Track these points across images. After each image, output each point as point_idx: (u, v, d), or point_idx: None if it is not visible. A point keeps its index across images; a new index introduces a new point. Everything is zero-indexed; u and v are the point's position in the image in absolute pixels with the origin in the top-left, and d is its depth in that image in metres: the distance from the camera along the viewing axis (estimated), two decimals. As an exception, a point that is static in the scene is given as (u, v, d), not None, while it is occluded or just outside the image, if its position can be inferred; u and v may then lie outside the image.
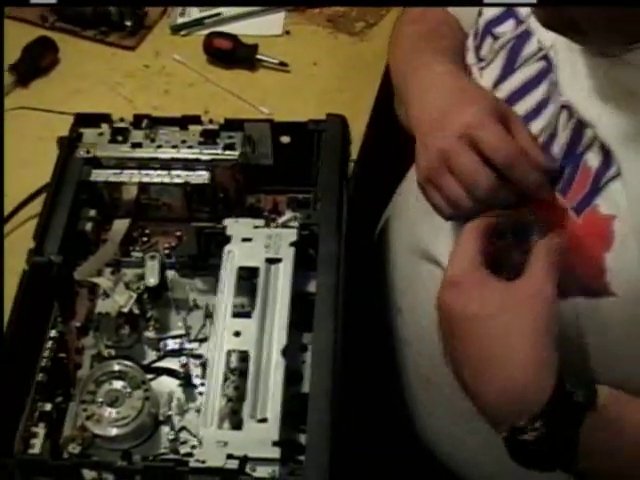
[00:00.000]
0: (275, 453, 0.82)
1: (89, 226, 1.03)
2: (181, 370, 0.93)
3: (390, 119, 1.07)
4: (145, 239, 1.05)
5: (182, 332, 0.96)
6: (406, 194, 1.04)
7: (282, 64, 1.28)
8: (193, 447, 0.88)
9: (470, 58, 0.90)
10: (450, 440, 0.96)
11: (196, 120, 1.06)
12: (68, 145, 1.05)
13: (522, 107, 0.84)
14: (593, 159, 0.77)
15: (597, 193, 0.76)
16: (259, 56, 1.29)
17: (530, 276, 0.74)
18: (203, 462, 0.82)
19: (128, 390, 0.90)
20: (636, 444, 0.73)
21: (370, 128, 1.16)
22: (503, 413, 0.72)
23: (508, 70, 0.86)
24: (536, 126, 0.82)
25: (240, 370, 0.89)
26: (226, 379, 0.89)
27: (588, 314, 0.78)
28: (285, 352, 0.88)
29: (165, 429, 0.90)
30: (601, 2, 0.68)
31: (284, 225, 0.98)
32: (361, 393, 1.01)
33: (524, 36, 0.84)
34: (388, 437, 1.03)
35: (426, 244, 0.95)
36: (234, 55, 1.30)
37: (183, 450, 0.88)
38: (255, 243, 0.96)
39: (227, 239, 0.96)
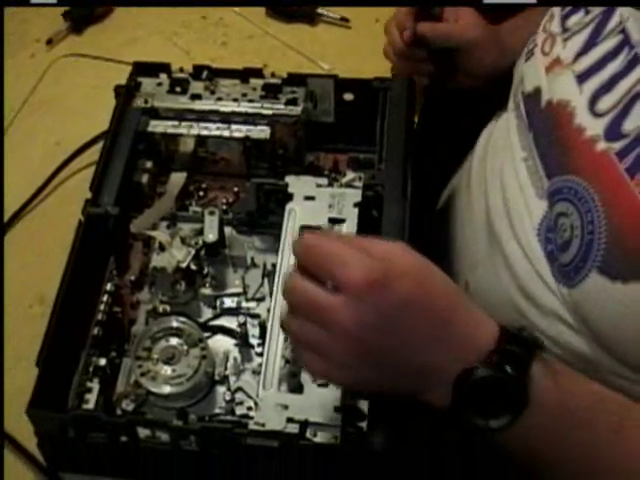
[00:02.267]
0: (337, 419, 0.80)
1: (145, 178, 1.01)
2: (238, 329, 0.90)
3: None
4: (202, 194, 1.02)
5: (239, 290, 0.94)
6: (477, 163, 1.01)
7: (343, 19, 1.24)
8: (249, 409, 0.86)
9: (554, 26, 0.86)
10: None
11: (257, 73, 1.03)
12: (126, 94, 1.02)
13: (596, 81, 0.80)
14: None
15: None
16: (320, 10, 1.25)
17: None
18: (262, 425, 0.80)
19: (185, 348, 0.87)
20: (584, 423, 0.70)
21: (430, 90, 1.12)
22: (456, 365, 0.68)
23: (590, 43, 0.82)
24: (609, 100, 0.79)
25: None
26: (285, 339, 0.87)
27: None
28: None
29: (221, 389, 0.88)
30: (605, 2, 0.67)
31: (347, 185, 0.95)
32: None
33: (609, 10, 0.81)
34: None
35: (493, 220, 0.92)
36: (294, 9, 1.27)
37: (239, 411, 0.86)
38: (318, 202, 0.93)
39: (289, 197, 0.94)
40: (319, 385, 0.82)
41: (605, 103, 0.79)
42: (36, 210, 1.07)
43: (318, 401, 0.81)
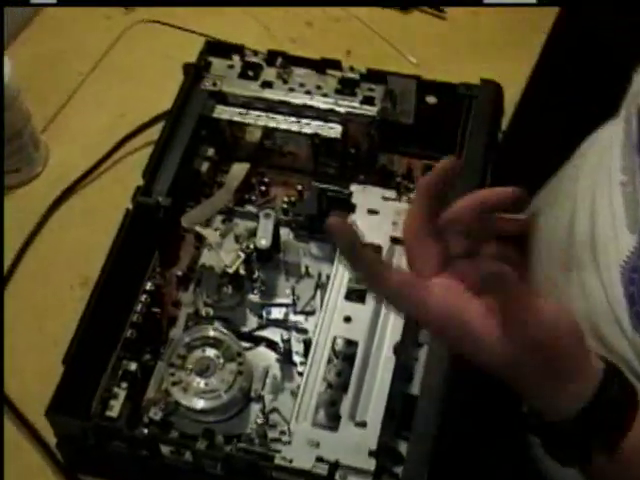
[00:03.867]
0: (370, 464, 0.74)
1: (205, 166, 0.95)
2: (282, 344, 0.85)
3: (548, 92, 0.95)
4: (263, 188, 0.96)
5: (289, 301, 0.88)
6: (567, 182, 0.92)
7: (439, 9, 1.16)
8: (282, 433, 0.80)
9: None
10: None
11: (336, 65, 0.96)
12: (194, 74, 0.96)
13: None
14: None
15: None
16: (415, -3, 1.17)
17: None
18: (290, 461, 0.74)
19: (221, 361, 0.82)
20: None
21: (525, 100, 1.03)
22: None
23: None
24: None
25: (345, 354, 0.81)
26: (329, 361, 0.81)
27: None
28: (398, 349, 0.79)
29: (255, 407, 0.82)
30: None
31: (417, 201, 0.87)
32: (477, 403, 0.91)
33: None
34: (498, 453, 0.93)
35: (575, 247, 0.84)
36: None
37: (271, 434, 0.80)
38: (381, 217, 0.86)
39: (352, 207, 0.87)
40: (356, 424, 0.76)
41: None
42: (91, 185, 1.02)
43: (352, 441, 0.75)
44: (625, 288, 0.75)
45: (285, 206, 0.94)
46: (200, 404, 0.80)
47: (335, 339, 0.81)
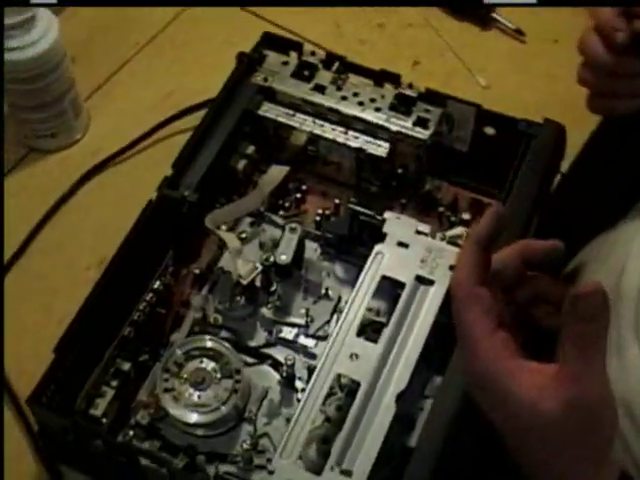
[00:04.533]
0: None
1: (242, 164, 0.91)
2: (286, 367, 0.80)
3: (618, 141, 0.88)
4: (299, 196, 0.92)
5: (302, 322, 0.83)
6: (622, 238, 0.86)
7: (518, 32, 1.09)
8: (269, 461, 0.76)
9: None
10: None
11: (394, 79, 0.90)
12: (247, 65, 0.92)
13: None
14: None
15: None
16: (495, 15, 1.10)
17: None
18: (271, 497, 0.70)
19: (218, 375, 0.78)
20: None
21: (591, 144, 0.96)
22: None
23: None
24: None
25: (350, 388, 0.77)
26: (331, 394, 0.77)
27: None
28: (400, 397, 0.74)
29: (247, 428, 0.78)
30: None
31: (451, 241, 0.82)
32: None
33: None
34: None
35: (619, 311, 0.78)
36: (467, 5, 1.12)
37: (258, 460, 0.76)
38: (411, 252, 0.80)
39: (382, 236, 0.82)
40: (342, 472, 0.71)
41: None
42: (126, 163, 0.99)
43: (335, 491, 0.70)
44: None
45: (318, 219, 0.90)
46: (189, 417, 0.76)
47: (339, 376, 0.76)
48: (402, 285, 0.79)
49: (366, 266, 0.80)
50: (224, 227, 0.86)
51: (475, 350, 0.57)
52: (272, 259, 0.83)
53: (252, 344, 0.83)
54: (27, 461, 0.82)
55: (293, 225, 0.84)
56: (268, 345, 0.83)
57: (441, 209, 0.91)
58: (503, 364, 0.56)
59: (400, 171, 0.91)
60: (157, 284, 0.82)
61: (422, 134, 0.87)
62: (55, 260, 0.92)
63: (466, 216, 0.90)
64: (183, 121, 1.00)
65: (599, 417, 0.55)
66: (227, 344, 0.79)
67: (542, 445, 0.56)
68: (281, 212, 0.90)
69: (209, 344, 0.79)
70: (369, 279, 0.79)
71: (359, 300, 0.79)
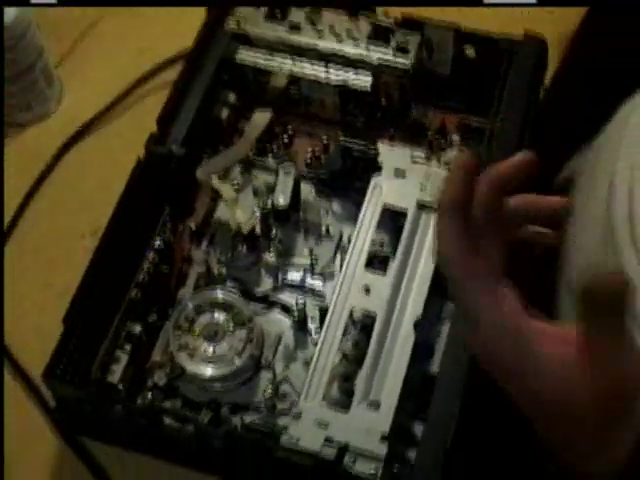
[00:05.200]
0: (381, 449, 0.69)
1: (225, 112, 0.89)
2: (297, 310, 0.80)
3: (596, 50, 0.88)
4: (286, 139, 0.90)
5: (307, 263, 0.82)
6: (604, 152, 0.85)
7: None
8: (292, 404, 0.75)
9: None
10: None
11: (368, 8, 0.89)
12: (217, 13, 0.90)
13: None
14: None
15: None
16: None
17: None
18: (297, 440, 0.70)
19: (231, 326, 0.77)
20: None
21: (568, 59, 0.95)
22: None
23: None
24: None
25: (363, 324, 0.76)
26: (345, 331, 0.76)
27: None
28: (418, 325, 0.74)
29: (265, 375, 0.78)
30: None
31: (447, 164, 0.81)
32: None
33: None
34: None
35: (614, 223, 0.77)
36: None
37: (280, 405, 0.76)
38: (408, 180, 0.80)
39: (377, 167, 0.81)
40: (369, 404, 0.71)
41: None
42: (107, 127, 0.96)
43: (364, 424, 0.70)
44: None
45: (309, 160, 0.89)
46: (207, 371, 0.76)
47: (352, 309, 0.75)
48: (404, 214, 0.78)
49: (366, 199, 0.79)
50: (215, 178, 0.85)
51: (486, 319, 0.52)
52: (269, 204, 0.82)
53: (259, 292, 0.82)
54: (46, 440, 0.80)
55: (287, 167, 0.82)
56: (275, 290, 0.82)
57: (430, 135, 0.89)
58: (519, 324, 0.52)
59: (384, 102, 0.90)
60: (158, 242, 0.80)
61: (404, 62, 0.86)
62: (47, 233, 0.90)
63: (456, 138, 0.89)
64: (159, 78, 0.98)
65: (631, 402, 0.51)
66: (236, 293, 0.78)
67: (566, 420, 0.52)
68: (270, 157, 0.89)
69: (219, 296, 0.78)
70: (371, 211, 0.79)
71: (363, 233, 0.78)
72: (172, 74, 0.96)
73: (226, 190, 0.82)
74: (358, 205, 0.83)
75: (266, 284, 0.82)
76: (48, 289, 0.88)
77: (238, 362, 0.76)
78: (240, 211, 0.81)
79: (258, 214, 0.81)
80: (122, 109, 0.97)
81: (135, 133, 0.93)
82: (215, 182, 0.83)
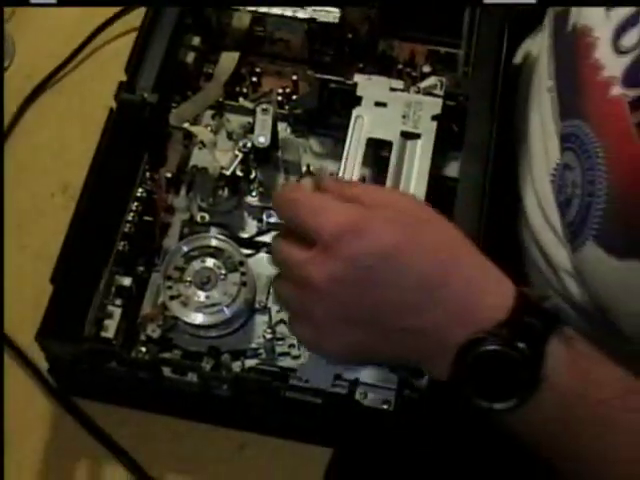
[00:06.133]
0: (392, 379, 0.68)
1: (191, 57, 0.87)
2: (285, 250, 0.78)
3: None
4: (255, 79, 0.88)
5: (290, 202, 0.81)
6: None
7: None
8: (291, 346, 0.74)
9: None
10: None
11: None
12: (175, -45, 0.87)
13: (627, 10, 0.67)
14: None
15: None
16: None
17: None
18: (306, 381, 0.69)
19: (222, 271, 0.76)
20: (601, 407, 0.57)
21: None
22: (455, 330, 0.57)
23: None
24: (635, 35, 0.65)
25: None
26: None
27: None
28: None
29: (259, 319, 0.76)
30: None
31: (426, 92, 0.80)
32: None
33: None
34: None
35: (517, 158, 0.80)
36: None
37: (279, 349, 0.74)
38: (390, 110, 0.79)
39: (357, 100, 0.79)
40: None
41: (631, 39, 0.65)
42: (66, 80, 0.93)
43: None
44: (556, 197, 0.73)
45: (280, 99, 0.87)
46: (201, 319, 0.74)
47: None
48: (388, 144, 0.77)
49: (349, 132, 0.78)
50: (187, 125, 0.83)
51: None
52: (249, 144, 0.80)
53: (244, 235, 0.80)
54: (40, 405, 0.79)
55: (264, 106, 0.80)
56: (261, 233, 0.80)
57: (400, 67, 0.88)
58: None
59: (351, 36, 0.88)
60: (140, 191, 0.78)
61: (371, -7, 0.85)
62: (16, 194, 0.87)
63: (426, 69, 0.87)
64: (116, 26, 0.95)
65: None
66: (224, 237, 0.77)
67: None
68: (241, 99, 0.87)
69: (208, 242, 0.76)
70: (355, 144, 0.77)
71: (350, 167, 0.77)
72: (128, 23, 0.94)
73: (204, 134, 0.80)
74: (336, 141, 0.82)
75: (251, 227, 0.80)
76: (22, 253, 0.85)
77: (233, 307, 0.74)
78: (220, 153, 0.79)
79: (240, 154, 0.79)
80: (79, 62, 0.94)
81: (93, 85, 0.92)
82: (191, 127, 0.81)
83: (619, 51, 0.66)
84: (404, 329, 0.59)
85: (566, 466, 0.60)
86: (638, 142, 0.62)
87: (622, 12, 0.67)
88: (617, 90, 0.65)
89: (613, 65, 0.66)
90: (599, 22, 0.69)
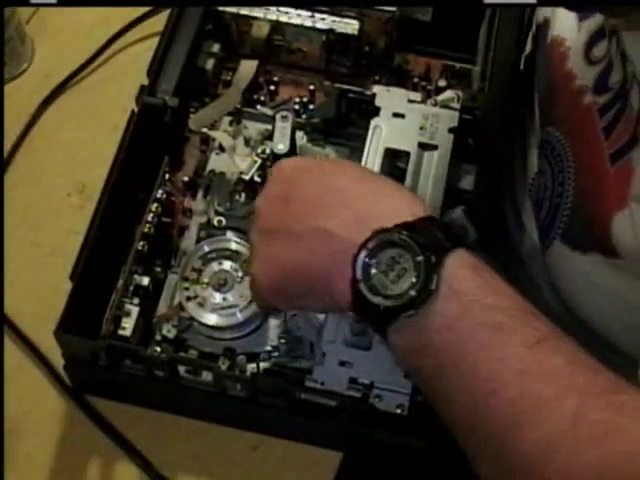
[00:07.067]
0: (406, 385, 0.70)
1: (210, 63, 0.88)
2: (300, 255, 0.79)
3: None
4: (272, 88, 0.90)
5: (306, 209, 0.82)
6: None
7: None
8: (306, 348, 0.75)
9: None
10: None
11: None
12: (198, -37, 0.89)
13: (598, 21, 0.69)
14: (635, 100, 0.63)
15: (634, 144, 0.63)
16: None
17: None
18: (321, 384, 0.70)
19: (239, 274, 0.77)
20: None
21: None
22: (362, 233, 0.55)
23: None
24: (604, 46, 0.68)
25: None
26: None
27: (603, 273, 0.68)
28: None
29: (273, 322, 0.77)
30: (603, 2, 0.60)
31: (443, 105, 0.81)
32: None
33: None
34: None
35: None
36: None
37: (294, 350, 0.75)
38: (408, 121, 0.80)
39: (375, 110, 0.81)
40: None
41: (600, 49, 0.68)
42: (84, 83, 0.94)
43: (387, 362, 0.70)
44: (533, 205, 0.78)
45: (297, 107, 0.88)
46: (217, 320, 0.75)
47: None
48: (405, 154, 0.79)
49: (367, 141, 0.79)
50: (206, 129, 0.84)
51: None
52: (268, 150, 0.81)
53: (260, 239, 0.81)
54: (53, 402, 0.79)
55: (284, 113, 0.82)
56: (277, 238, 0.81)
57: (415, 80, 0.90)
58: None
59: (367, 49, 0.90)
60: (159, 193, 0.79)
61: (390, 8, 0.86)
62: (32, 193, 0.88)
63: (442, 83, 0.89)
64: (135, 31, 0.96)
65: None
66: (242, 239, 0.78)
67: None
68: (258, 106, 0.88)
69: (226, 244, 0.77)
70: (372, 154, 0.79)
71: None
72: (147, 29, 0.95)
73: (224, 138, 0.82)
74: (352, 150, 0.83)
75: (267, 232, 0.81)
76: (38, 251, 0.86)
77: (249, 310, 0.75)
78: (239, 158, 0.81)
79: (259, 160, 0.80)
80: (97, 65, 0.95)
81: (112, 89, 0.93)
82: (211, 132, 0.82)
83: (590, 62, 0.69)
84: (315, 230, 0.58)
85: (443, 392, 0.55)
86: (604, 143, 0.65)
87: (593, 23, 0.69)
88: (588, 98, 0.68)
89: (585, 75, 0.69)
90: (572, 33, 0.71)
